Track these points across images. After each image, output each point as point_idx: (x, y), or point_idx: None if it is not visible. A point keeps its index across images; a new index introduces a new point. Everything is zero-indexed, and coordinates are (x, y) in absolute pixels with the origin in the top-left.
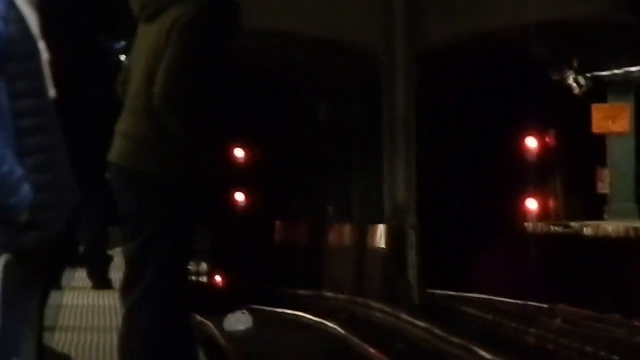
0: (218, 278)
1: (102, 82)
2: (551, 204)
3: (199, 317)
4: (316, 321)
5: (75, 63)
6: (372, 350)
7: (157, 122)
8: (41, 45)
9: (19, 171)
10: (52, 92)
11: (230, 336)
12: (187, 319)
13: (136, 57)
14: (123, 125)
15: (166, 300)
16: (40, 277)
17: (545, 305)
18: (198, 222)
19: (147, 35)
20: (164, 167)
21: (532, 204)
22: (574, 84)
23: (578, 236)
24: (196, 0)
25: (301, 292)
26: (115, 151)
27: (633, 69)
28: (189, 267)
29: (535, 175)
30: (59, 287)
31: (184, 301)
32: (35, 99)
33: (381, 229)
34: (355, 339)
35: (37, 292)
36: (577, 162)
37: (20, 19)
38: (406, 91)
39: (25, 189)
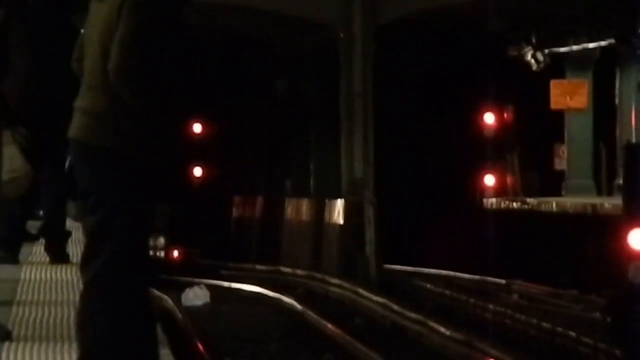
0: (176, 253)
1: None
2: (509, 180)
3: (157, 292)
4: (273, 296)
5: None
6: (329, 325)
7: (113, 97)
8: None
9: None
10: None
11: (188, 311)
12: (145, 294)
13: (89, 33)
14: (81, 101)
15: (125, 275)
16: None
17: (502, 281)
18: (157, 197)
19: (100, 11)
20: (121, 142)
21: (489, 180)
22: (533, 60)
23: (536, 212)
24: None
25: (259, 267)
26: (74, 127)
27: (591, 45)
28: (148, 242)
29: (493, 151)
30: (16, 261)
31: (143, 276)
32: None
33: (339, 204)
34: (312, 314)
35: None
36: (535, 138)
37: None
38: (363, 66)
39: None
